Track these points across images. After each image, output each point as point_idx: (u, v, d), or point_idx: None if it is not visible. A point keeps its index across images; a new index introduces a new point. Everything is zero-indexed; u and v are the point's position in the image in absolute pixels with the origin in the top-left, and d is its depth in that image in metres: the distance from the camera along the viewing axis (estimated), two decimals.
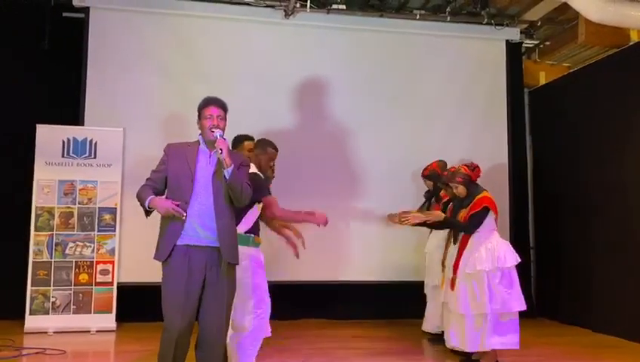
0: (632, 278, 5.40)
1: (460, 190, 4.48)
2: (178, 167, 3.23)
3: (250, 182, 3.31)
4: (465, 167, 4.49)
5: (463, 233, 4.46)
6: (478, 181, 4.53)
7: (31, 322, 5.34)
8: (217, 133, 3.20)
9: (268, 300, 3.70)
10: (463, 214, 4.44)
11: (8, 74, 5.81)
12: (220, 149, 3.11)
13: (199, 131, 3.33)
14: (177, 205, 3.09)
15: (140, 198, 3.17)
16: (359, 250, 6.28)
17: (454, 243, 4.71)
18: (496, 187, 6.38)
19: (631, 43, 5.85)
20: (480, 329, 4.24)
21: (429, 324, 5.35)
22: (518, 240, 6.57)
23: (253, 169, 3.65)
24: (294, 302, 6.09)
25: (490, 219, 4.36)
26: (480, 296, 4.21)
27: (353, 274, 6.28)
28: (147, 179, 3.28)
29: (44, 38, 5.95)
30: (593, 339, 5.57)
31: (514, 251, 4.36)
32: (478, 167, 4.54)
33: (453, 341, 4.42)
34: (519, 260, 4.36)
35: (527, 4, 6.44)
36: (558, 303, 6.49)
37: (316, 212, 3.76)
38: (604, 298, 5.78)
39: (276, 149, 3.98)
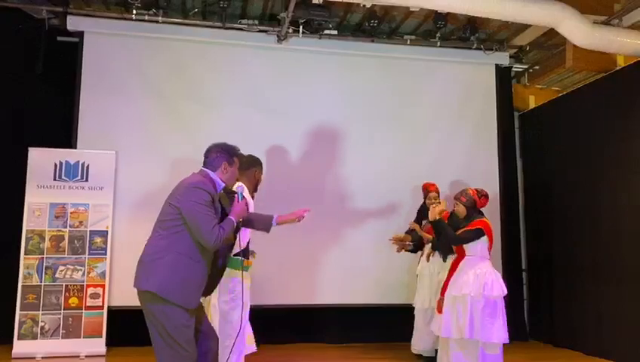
0: (624, 301, 5.41)
1: (460, 209, 4.49)
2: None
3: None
4: (474, 191, 4.51)
5: (453, 246, 4.48)
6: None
7: (19, 347, 5.27)
8: (240, 192, 3.33)
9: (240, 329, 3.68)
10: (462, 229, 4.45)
11: (1, 97, 5.82)
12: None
13: (219, 172, 3.25)
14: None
15: (230, 228, 3.17)
16: (350, 273, 6.25)
17: (444, 261, 4.81)
18: (487, 209, 6.38)
19: (617, 68, 5.95)
20: (464, 353, 4.21)
21: (419, 345, 5.31)
22: (510, 263, 6.59)
23: (244, 190, 3.68)
24: (284, 326, 6.05)
25: (483, 245, 4.35)
26: (462, 320, 4.19)
27: (344, 297, 6.23)
28: (212, 216, 3.10)
29: (38, 62, 5.97)
30: None
31: (502, 283, 4.32)
32: (487, 196, 4.55)
33: None
34: (505, 292, 4.31)
35: (515, 29, 6.55)
36: (551, 326, 6.47)
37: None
38: (596, 321, 5.76)
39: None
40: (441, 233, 4.50)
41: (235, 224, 3.21)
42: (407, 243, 5.41)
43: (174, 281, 3.00)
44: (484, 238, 4.34)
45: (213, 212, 3.09)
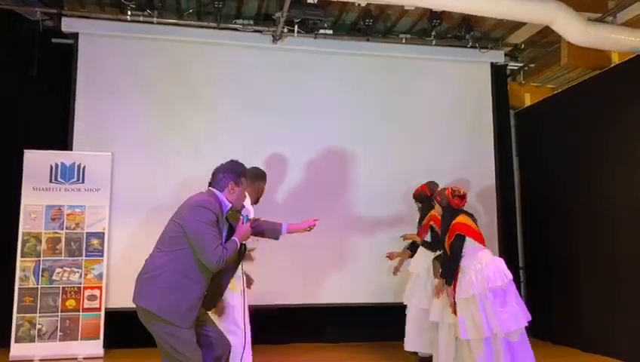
0: (621, 298, 5.42)
1: (437, 209, 4.65)
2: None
3: None
4: (450, 191, 4.52)
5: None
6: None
7: (16, 350, 5.25)
8: (246, 215, 3.31)
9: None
10: (446, 241, 4.47)
11: None
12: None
13: (227, 192, 3.22)
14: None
15: (234, 250, 3.15)
16: (348, 273, 6.26)
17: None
18: (484, 208, 6.47)
19: (612, 65, 5.96)
20: (489, 351, 4.21)
21: (411, 343, 5.29)
22: (507, 261, 6.52)
23: (249, 213, 3.68)
24: (283, 326, 6.05)
25: (469, 241, 4.36)
26: (478, 320, 4.19)
27: (341, 297, 6.23)
28: (216, 236, 3.08)
29: (33, 64, 5.95)
30: (583, 359, 5.57)
31: (504, 269, 4.28)
32: (461, 196, 4.48)
33: None
34: (510, 277, 4.26)
35: (510, 27, 6.56)
36: (550, 323, 6.48)
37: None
38: (594, 318, 5.78)
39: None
40: (452, 272, 4.49)
41: (239, 246, 3.19)
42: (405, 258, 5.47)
43: (168, 300, 3.00)
44: (467, 237, 4.35)
45: (217, 232, 3.06)
